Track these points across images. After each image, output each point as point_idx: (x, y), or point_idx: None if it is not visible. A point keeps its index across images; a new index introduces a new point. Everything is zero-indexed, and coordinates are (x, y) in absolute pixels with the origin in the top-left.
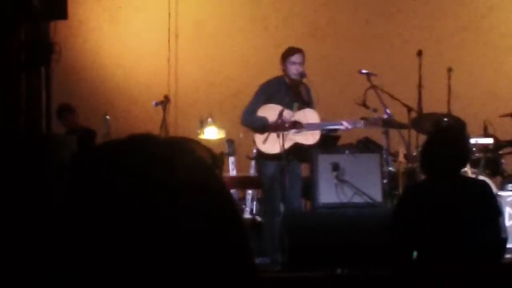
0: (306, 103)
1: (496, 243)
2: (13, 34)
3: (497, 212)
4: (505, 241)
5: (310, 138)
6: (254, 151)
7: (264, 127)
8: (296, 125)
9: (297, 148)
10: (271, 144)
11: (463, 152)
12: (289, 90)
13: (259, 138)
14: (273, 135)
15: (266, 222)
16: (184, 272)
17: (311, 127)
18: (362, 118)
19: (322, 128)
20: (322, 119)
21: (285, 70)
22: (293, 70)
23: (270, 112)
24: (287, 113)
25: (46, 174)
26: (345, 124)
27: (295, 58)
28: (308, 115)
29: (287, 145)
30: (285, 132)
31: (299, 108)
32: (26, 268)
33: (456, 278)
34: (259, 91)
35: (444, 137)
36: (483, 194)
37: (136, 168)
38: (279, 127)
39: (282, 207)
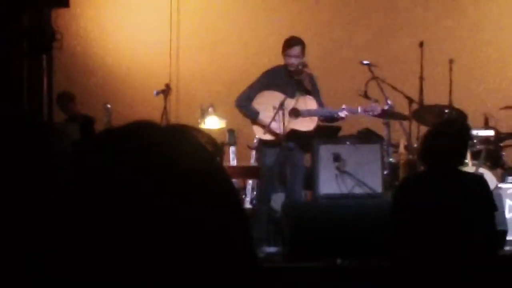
0: (308, 91)
1: (492, 237)
2: (15, 22)
3: (493, 207)
4: (505, 233)
5: (306, 124)
6: (256, 140)
7: (253, 120)
8: (294, 112)
9: (297, 136)
10: (264, 130)
11: (462, 147)
12: (290, 79)
13: (257, 127)
14: (267, 120)
15: (261, 211)
16: (185, 260)
17: (308, 113)
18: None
19: (319, 114)
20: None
21: (284, 60)
22: (290, 62)
23: (270, 98)
24: (287, 102)
25: (49, 160)
26: (344, 113)
27: (292, 51)
28: (308, 103)
29: (280, 131)
30: (281, 118)
31: (301, 95)
32: (29, 251)
33: (454, 270)
34: (260, 78)
35: (445, 130)
36: (479, 188)
37: (137, 155)
38: (267, 128)
39: (282, 198)
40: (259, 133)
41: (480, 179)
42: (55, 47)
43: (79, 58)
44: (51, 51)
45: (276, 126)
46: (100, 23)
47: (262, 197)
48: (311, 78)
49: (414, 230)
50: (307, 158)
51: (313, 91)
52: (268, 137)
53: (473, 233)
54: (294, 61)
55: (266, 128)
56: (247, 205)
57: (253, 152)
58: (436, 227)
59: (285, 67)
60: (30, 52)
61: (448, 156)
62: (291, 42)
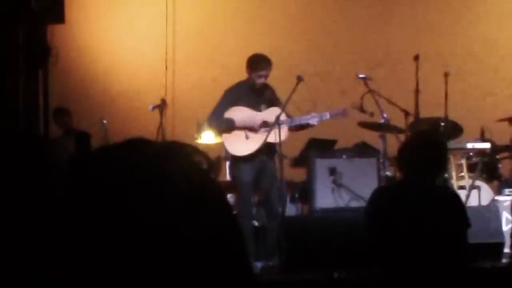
0: (272, 104)
1: (463, 253)
2: (11, 38)
3: (466, 223)
4: (501, 245)
5: (280, 135)
6: (224, 153)
7: (231, 128)
8: (266, 125)
9: (267, 147)
10: (240, 147)
11: (437, 158)
12: (254, 93)
13: (228, 141)
14: (242, 137)
15: (243, 226)
16: (180, 276)
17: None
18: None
19: (290, 124)
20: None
21: (250, 78)
22: (259, 81)
23: (238, 114)
24: (256, 115)
25: (45, 176)
26: (315, 120)
27: (264, 71)
28: (275, 114)
29: (257, 145)
30: (254, 133)
31: (266, 109)
32: (26, 263)
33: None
34: (224, 97)
35: (421, 142)
36: (453, 203)
37: (133, 173)
38: (249, 127)
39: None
40: (229, 146)
41: (455, 194)
42: (51, 63)
43: (75, 73)
44: (47, 66)
45: (257, 118)
46: (95, 38)
47: (244, 212)
48: (272, 91)
49: (387, 239)
50: (301, 172)
51: (277, 103)
52: (238, 150)
53: (443, 246)
54: (263, 80)
55: (259, 127)
56: None
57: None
58: (407, 239)
59: (248, 82)
60: (26, 68)
61: (423, 167)
62: (263, 63)
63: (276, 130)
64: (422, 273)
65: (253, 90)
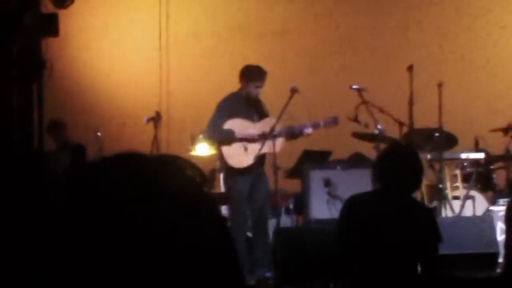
0: (263, 115)
1: (432, 266)
2: (4, 50)
3: (437, 237)
4: (496, 255)
5: (275, 145)
6: (218, 165)
7: (231, 139)
8: (263, 136)
9: (261, 158)
10: (240, 159)
11: (411, 171)
12: (247, 105)
13: (227, 153)
14: (241, 149)
15: (237, 238)
16: (173, 285)
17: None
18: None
19: (285, 134)
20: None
21: (244, 89)
22: (255, 92)
23: (236, 125)
24: (251, 126)
25: (40, 188)
26: (309, 130)
27: (261, 82)
28: (268, 124)
29: (254, 157)
30: (251, 144)
31: (260, 120)
32: (22, 277)
33: None
34: (219, 108)
35: (398, 153)
36: (425, 216)
37: (127, 185)
38: (248, 138)
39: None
40: (229, 157)
41: (428, 208)
42: (45, 76)
43: (69, 87)
44: (41, 79)
45: (253, 129)
46: (90, 51)
47: (239, 224)
48: (262, 102)
49: (358, 249)
50: (296, 183)
51: (267, 115)
52: (237, 162)
53: (412, 259)
54: (259, 91)
55: (259, 139)
56: None
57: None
58: (377, 250)
59: (241, 94)
60: (20, 81)
61: (397, 179)
62: (259, 74)
63: (271, 141)
64: (389, 284)
65: (247, 102)
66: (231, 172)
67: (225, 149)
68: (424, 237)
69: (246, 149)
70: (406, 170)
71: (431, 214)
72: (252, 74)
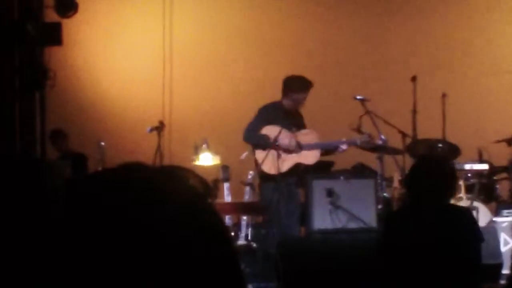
0: (303, 126)
1: (477, 268)
2: (7, 60)
3: (478, 238)
4: (500, 267)
5: (310, 157)
6: (250, 176)
7: (266, 143)
8: (298, 145)
9: (298, 171)
10: (273, 165)
11: (447, 183)
12: (285, 115)
13: (261, 158)
14: (274, 156)
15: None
16: None
17: (310, 146)
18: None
19: (321, 147)
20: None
21: (288, 99)
22: (298, 105)
23: (271, 133)
24: (288, 136)
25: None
26: (344, 146)
27: (305, 94)
28: (308, 136)
29: (289, 165)
30: (287, 154)
31: (297, 131)
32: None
33: None
34: (258, 114)
35: (432, 164)
36: (464, 220)
37: (129, 197)
38: (284, 147)
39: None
40: (266, 165)
41: (466, 211)
42: (48, 85)
43: (72, 96)
44: (44, 88)
45: (287, 137)
46: (93, 60)
47: (274, 234)
48: (302, 116)
49: (402, 264)
50: (300, 193)
51: (304, 127)
52: (270, 168)
53: (458, 266)
54: (303, 102)
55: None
56: (241, 241)
57: (247, 188)
58: (422, 262)
59: (279, 104)
60: (22, 90)
61: (433, 192)
62: (307, 84)
63: (308, 152)
64: None
65: (286, 112)
66: (263, 178)
67: (259, 154)
68: (465, 238)
69: (280, 156)
70: (436, 182)
71: (469, 216)
72: (298, 84)
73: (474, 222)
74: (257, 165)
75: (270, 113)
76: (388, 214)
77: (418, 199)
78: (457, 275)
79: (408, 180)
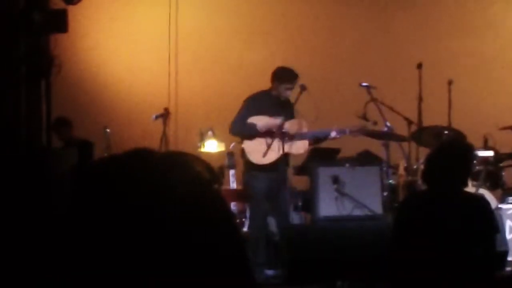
0: (293, 115)
1: (491, 258)
2: (13, 47)
3: (494, 228)
4: (506, 254)
5: (299, 147)
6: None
7: (254, 133)
8: (286, 135)
9: (284, 158)
10: (261, 155)
11: (464, 168)
12: (276, 105)
13: (249, 148)
14: (261, 146)
15: (258, 236)
16: (181, 280)
17: (300, 136)
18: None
19: (311, 136)
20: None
21: (275, 89)
22: (286, 94)
23: (260, 121)
24: (276, 121)
25: (47, 185)
26: (333, 134)
27: (291, 84)
28: (296, 125)
29: (277, 155)
30: (274, 142)
31: (286, 120)
32: (28, 272)
33: None
34: (245, 105)
35: (448, 151)
36: (481, 209)
37: (137, 183)
38: (270, 133)
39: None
40: (250, 153)
41: (482, 200)
42: (53, 73)
43: (78, 83)
44: (49, 76)
45: (278, 123)
46: (98, 48)
47: (257, 221)
48: (292, 105)
49: (414, 249)
50: (304, 181)
51: (293, 117)
52: (258, 158)
53: (471, 253)
54: (290, 93)
55: (278, 130)
56: (246, 228)
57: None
58: (436, 247)
59: (270, 93)
60: (28, 78)
61: (450, 177)
62: (291, 76)
63: (297, 142)
64: (449, 279)
65: (275, 102)
66: (250, 168)
67: (247, 144)
68: (480, 229)
69: (268, 146)
70: (454, 169)
71: (486, 206)
72: (284, 76)
73: (490, 211)
74: (243, 155)
75: (256, 103)
76: (402, 201)
77: (434, 184)
78: (472, 264)
79: (426, 165)
